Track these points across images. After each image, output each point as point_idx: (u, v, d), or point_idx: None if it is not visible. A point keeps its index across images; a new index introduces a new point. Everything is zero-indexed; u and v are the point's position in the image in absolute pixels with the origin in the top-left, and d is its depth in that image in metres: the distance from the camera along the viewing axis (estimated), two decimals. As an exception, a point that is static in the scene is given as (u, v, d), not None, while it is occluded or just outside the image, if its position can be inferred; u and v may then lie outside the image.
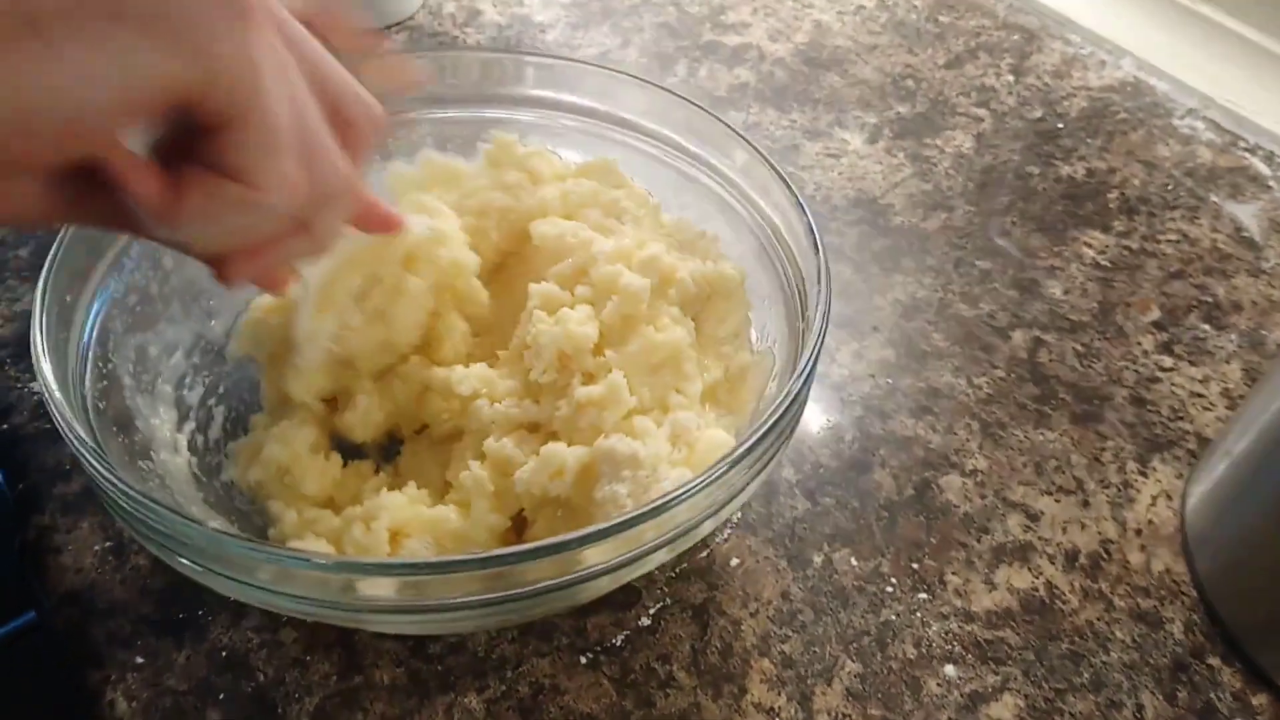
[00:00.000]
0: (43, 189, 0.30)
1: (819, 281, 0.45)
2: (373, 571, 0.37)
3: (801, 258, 0.48)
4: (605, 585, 0.42)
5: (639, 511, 0.37)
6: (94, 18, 0.26)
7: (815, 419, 0.57)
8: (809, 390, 0.43)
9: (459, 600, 0.37)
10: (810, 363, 0.42)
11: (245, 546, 0.36)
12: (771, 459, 0.42)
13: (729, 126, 0.53)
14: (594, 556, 0.38)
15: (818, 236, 0.46)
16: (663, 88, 0.55)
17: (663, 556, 0.40)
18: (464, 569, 0.36)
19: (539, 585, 0.37)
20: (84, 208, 0.31)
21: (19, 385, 0.57)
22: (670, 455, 0.44)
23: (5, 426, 0.55)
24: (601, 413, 0.45)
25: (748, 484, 0.41)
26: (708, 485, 0.38)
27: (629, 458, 0.43)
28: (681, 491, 0.37)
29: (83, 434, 0.39)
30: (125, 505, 0.37)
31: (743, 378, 0.50)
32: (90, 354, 0.44)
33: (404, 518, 0.45)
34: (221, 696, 0.45)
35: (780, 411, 0.40)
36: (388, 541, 0.44)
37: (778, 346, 0.49)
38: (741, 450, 0.39)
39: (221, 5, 0.28)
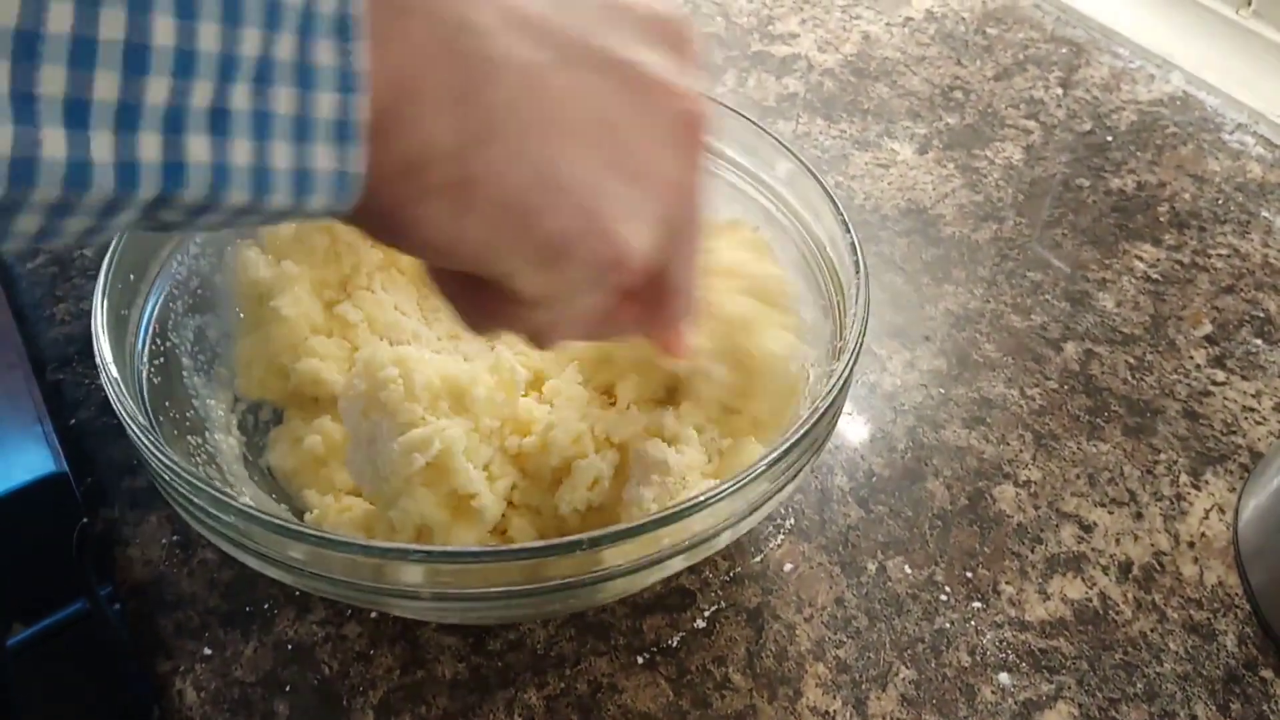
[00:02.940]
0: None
1: (856, 302, 0.45)
2: (395, 557, 0.38)
3: (844, 277, 0.48)
4: (621, 587, 0.43)
5: (657, 516, 0.37)
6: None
7: (867, 428, 0.58)
8: (838, 410, 0.43)
9: (479, 591, 0.38)
10: (838, 386, 0.42)
11: (273, 526, 0.37)
12: (795, 476, 0.42)
13: (776, 139, 0.53)
14: (611, 558, 0.38)
15: (860, 257, 0.46)
16: (710, 98, 0.55)
17: (680, 563, 0.40)
18: (484, 560, 0.37)
19: (555, 581, 0.38)
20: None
21: (86, 381, 0.58)
22: (703, 465, 0.45)
23: (73, 421, 0.56)
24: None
25: (768, 499, 0.41)
26: (727, 496, 0.38)
27: (659, 463, 0.43)
28: (701, 499, 0.38)
29: (132, 405, 0.40)
30: (163, 474, 0.39)
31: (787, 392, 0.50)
32: (149, 331, 0.46)
33: (438, 519, 0.44)
34: (288, 688, 0.46)
35: (802, 431, 0.40)
36: (415, 534, 0.44)
37: (814, 366, 0.49)
38: (763, 465, 0.39)
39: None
